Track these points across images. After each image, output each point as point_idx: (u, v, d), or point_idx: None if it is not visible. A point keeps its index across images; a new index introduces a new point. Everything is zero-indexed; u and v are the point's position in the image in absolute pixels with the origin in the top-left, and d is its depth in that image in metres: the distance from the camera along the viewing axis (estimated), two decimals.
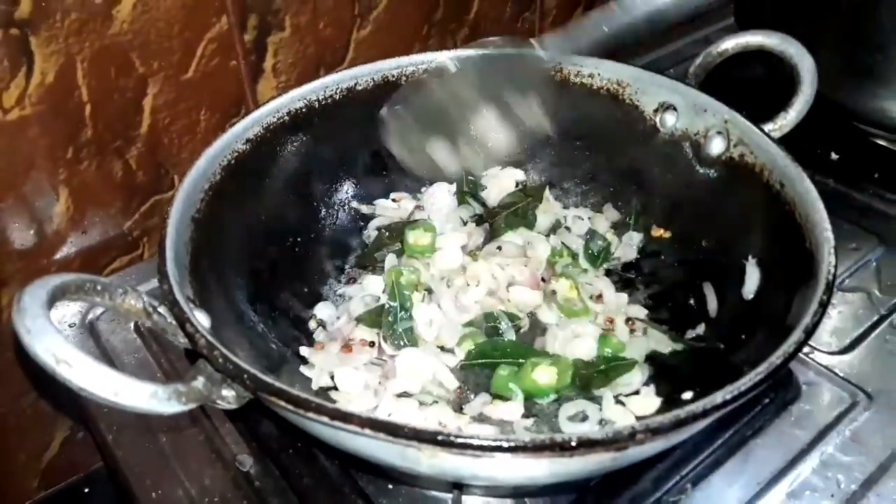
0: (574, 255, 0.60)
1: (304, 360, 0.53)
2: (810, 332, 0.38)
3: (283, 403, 0.35)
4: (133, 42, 0.61)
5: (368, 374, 0.51)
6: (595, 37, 0.53)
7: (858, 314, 0.62)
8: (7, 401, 0.70)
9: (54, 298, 0.37)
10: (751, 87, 0.63)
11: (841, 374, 0.57)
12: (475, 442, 0.32)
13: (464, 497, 0.46)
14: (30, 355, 0.34)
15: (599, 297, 0.57)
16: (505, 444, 0.32)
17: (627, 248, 0.61)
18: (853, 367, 0.58)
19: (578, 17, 0.94)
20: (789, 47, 0.56)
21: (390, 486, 0.51)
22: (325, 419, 0.34)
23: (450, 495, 0.48)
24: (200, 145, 0.68)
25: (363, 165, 0.64)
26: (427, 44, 0.80)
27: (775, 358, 0.36)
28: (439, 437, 0.32)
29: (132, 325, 0.62)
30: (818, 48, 0.72)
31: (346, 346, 0.52)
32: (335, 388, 0.52)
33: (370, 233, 0.63)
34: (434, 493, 0.50)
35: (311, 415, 0.34)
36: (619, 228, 0.62)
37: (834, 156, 0.80)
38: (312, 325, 0.56)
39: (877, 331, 0.61)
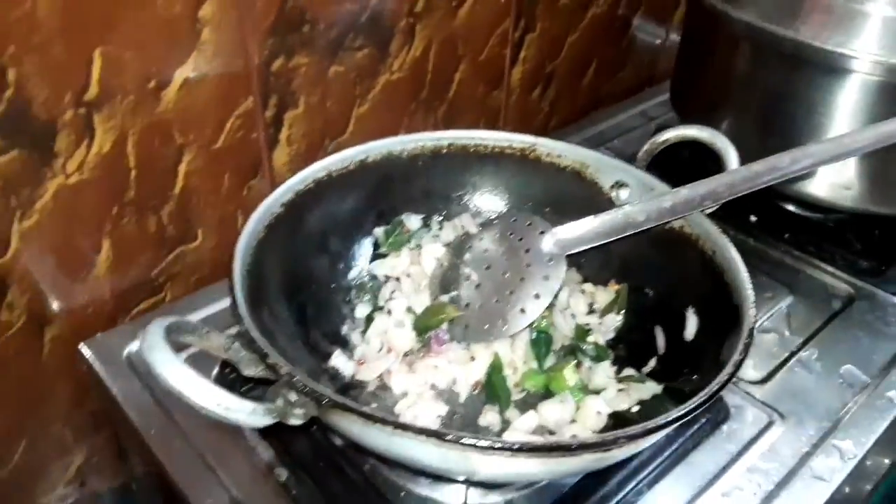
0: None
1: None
2: (737, 367, 0.51)
3: (355, 418, 0.46)
4: (175, 118, 0.72)
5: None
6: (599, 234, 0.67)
7: (773, 351, 0.77)
8: (38, 428, 0.78)
9: (168, 336, 0.47)
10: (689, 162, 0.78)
11: (761, 399, 0.71)
12: (507, 446, 0.44)
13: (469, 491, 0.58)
14: (159, 380, 0.45)
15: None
16: (526, 447, 0.44)
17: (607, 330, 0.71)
18: (770, 394, 0.71)
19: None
20: (717, 141, 0.70)
21: (402, 494, 0.63)
22: (389, 429, 0.45)
23: (457, 499, 0.60)
24: (223, 203, 0.80)
25: (370, 223, 0.75)
26: (413, 117, 0.93)
27: (712, 386, 0.49)
28: (479, 444, 0.44)
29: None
30: (738, 131, 0.89)
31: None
32: None
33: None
34: (444, 493, 0.61)
35: (377, 426, 0.45)
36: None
37: (753, 218, 0.95)
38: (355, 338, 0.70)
39: (787, 364, 0.75)
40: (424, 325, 0.67)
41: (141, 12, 0.65)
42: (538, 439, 0.45)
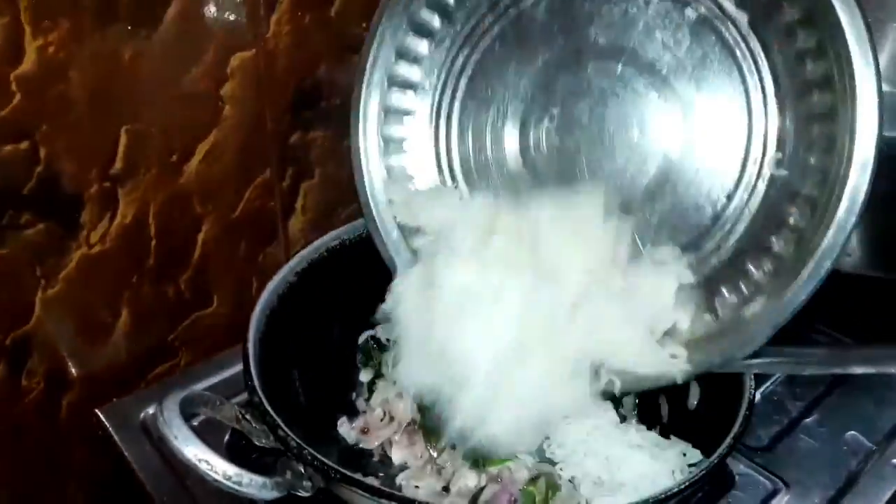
0: None
1: None
2: (738, 438, 0.52)
3: (360, 492, 0.47)
4: (195, 189, 0.75)
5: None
6: None
7: (777, 417, 0.77)
8: (53, 490, 0.80)
9: (183, 409, 0.49)
10: None
11: (765, 467, 0.71)
12: None
13: None
14: (175, 454, 0.47)
15: None
16: None
17: None
18: (775, 461, 0.72)
19: None
20: None
21: None
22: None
23: None
24: (239, 269, 0.83)
25: (383, 291, 0.77)
26: None
27: (713, 458, 0.51)
28: None
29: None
30: None
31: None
32: None
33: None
34: None
35: (383, 501, 0.47)
36: None
37: None
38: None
39: (792, 431, 0.76)
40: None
41: (167, 91, 0.69)
42: None
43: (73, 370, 0.75)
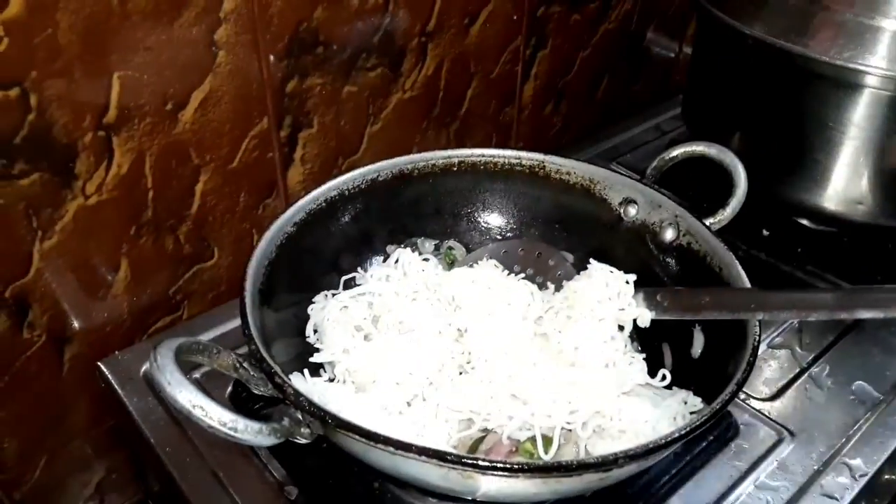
0: None
1: None
2: (741, 384, 0.51)
3: (357, 437, 0.47)
4: (192, 139, 0.73)
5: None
6: None
7: (784, 367, 0.76)
8: (58, 445, 0.80)
9: (178, 356, 0.49)
10: (700, 176, 0.79)
11: (770, 416, 0.71)
12: (507, 466, 0.44)
13: None
14: (169, 401, 0.46)
15: None
16: (525, 467, 0.45)
17: None
18: (780, 410, 0.71)
19: (548, 112, 1.10)
20: (726, 157, 0.71)
21: None
22: (391, 449, 0.46)
23: None
24: (238, 222, 0.82)
25: (382, 241, 0.77)
26: (426, 134, 0.94)
27: (715, 404, 0.50)
28: (480, 463, 0.45)
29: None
30: (749, 146, 0.89)
31: None
32: None
33: None
34: None
35: (380, 446, 0.46)
36: None
37: (765, 232, 0.95)
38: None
39: (798, 381, 0.75)
40: None
41: (158, 36, 0.67)
42: (546, 461, 0.45)
43: (75, 323, 0.75)
